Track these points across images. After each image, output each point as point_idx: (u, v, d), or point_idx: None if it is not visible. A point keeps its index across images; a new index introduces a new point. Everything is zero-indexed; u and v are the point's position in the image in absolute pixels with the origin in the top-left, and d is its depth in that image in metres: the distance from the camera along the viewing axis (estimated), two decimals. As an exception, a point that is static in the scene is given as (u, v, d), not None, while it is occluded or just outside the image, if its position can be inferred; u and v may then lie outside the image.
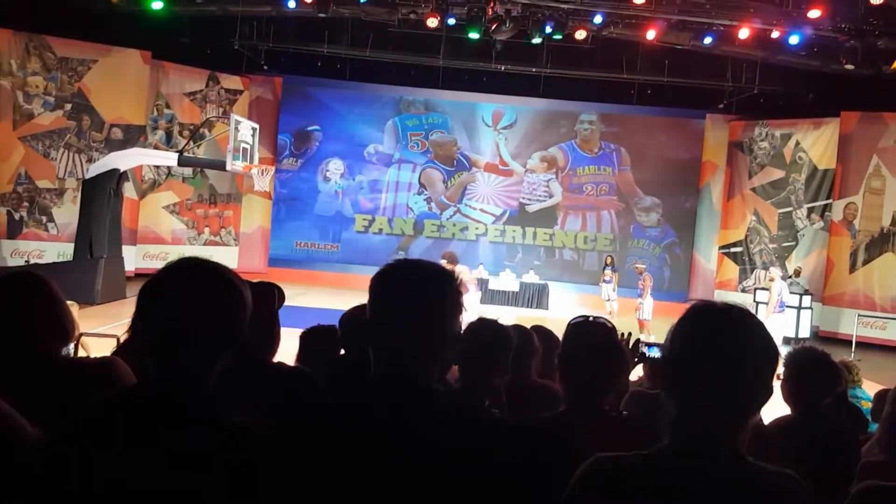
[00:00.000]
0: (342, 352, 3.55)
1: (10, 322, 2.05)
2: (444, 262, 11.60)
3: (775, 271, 12.68)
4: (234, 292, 1.59)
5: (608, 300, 16.09)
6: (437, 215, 19.95)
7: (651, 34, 14.67)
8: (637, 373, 3.94)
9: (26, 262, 14.62)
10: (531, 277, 18.11)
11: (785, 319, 12.61)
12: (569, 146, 19.77)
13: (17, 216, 15.17)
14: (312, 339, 3.67)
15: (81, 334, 6.41)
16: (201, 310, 1.53)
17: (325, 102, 19.69)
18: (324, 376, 2.75)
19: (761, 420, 2.77)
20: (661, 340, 1.57)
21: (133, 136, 16.32)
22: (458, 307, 1.63)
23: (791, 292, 14.07)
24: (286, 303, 2.55)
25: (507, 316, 12.61)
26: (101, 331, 7.44)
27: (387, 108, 19.84)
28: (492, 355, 2.76)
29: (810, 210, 17.08)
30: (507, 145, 19.82)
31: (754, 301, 14.79)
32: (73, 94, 15.68)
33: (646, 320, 13.44)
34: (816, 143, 17.06)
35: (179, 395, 1.50)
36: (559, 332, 3.93)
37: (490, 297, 17.09)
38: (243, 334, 1.60)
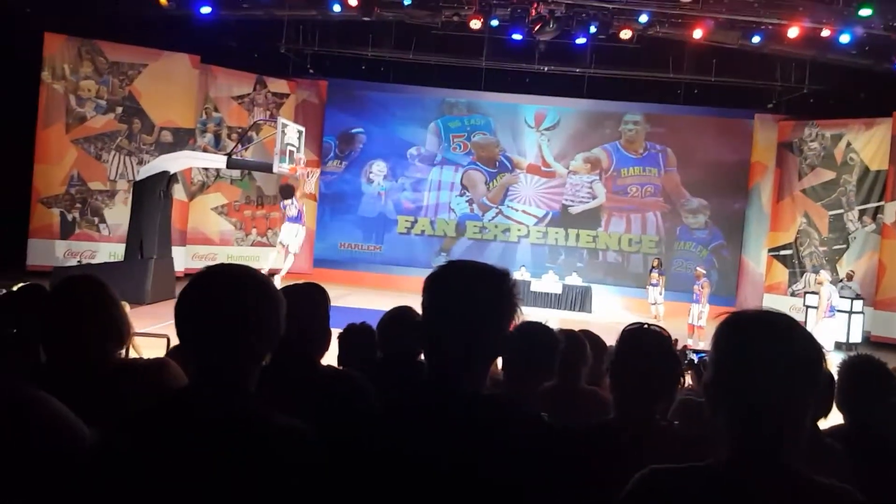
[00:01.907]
0: (379, 354, 3.50)
1: (69, 325, 2.10)
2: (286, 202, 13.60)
3: (824, 275, 12.38)
4: (266, 293, 1.59)
5: (654, 304, 15.81)
6: (479, 217, 19.91)
7: (698, 33, 14.44)
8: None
9: (78, 262, 14.95)
10: (574, 279, 17.97)
11: (836, 324, 12.33)
12: (613, 147, 19.56)
13: (69, 217, 15.54)
14: (352, 340, 3.67)
15: (132, 334, 6.53)
16: (232, 314, 1.54)
17: (369, 105, 19.79)
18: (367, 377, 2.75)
19: (817, 428, 2.72)
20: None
21: (182, 139, 16.61)
22: (512, 310, 1.58)
23: (841, 296, 13.73)
24: (331, 304, 2.57)
25: (551, 318, 12.53)
26: (150, 330, 7.58)
27: (430, 110, 19.87)
28: (539, 359, 2.72)
29: (862, 212, 16.65)
30: (549, 146, 19.69)
31: (804, 305, 14.47)
32: (123, 97, 16.00)
33: (701, 327, 13.23)
34: (868, 143, 16.62)
35: (220, 397, 1.52)
36: (604, 335, 3.90)
37: (532, 299, 17.00)
38: (279, 333, 1.61)
